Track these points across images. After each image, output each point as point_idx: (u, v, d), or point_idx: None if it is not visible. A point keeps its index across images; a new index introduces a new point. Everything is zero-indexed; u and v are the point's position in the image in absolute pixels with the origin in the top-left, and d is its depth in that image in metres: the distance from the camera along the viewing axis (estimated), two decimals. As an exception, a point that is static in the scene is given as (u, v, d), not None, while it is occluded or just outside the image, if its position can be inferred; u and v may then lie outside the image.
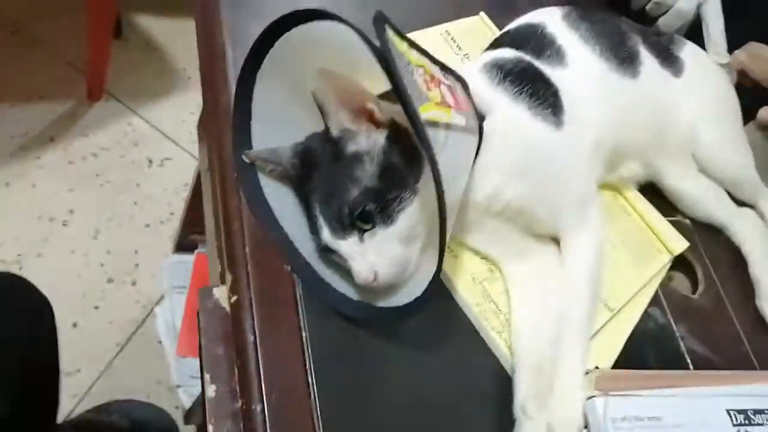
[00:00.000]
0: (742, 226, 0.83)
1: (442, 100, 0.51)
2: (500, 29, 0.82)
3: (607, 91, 0.71)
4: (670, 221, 0.82)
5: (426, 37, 0.80)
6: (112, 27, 1.66)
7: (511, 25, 0.77)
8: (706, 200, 0.82)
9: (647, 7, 0.91)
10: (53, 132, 1.65)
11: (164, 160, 1.71)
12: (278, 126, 0.58)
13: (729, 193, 0.84)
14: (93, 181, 1.62)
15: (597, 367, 0.64)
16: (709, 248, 0.83)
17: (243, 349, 0.52)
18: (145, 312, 1.49)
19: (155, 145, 1.73)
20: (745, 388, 0.66)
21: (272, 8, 0.71)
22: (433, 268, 0.50)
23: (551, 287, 0.63)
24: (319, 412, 0.50)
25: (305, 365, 0.52)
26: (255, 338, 0.52)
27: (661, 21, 0.91)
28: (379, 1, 0.80)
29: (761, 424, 0.65)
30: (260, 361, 0.51)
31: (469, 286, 0.63)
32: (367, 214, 0.51)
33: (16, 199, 1.51)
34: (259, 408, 0.49)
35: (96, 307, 1.46)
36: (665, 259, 0.76)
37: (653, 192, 0.83)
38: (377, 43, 0.46)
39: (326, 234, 0.54)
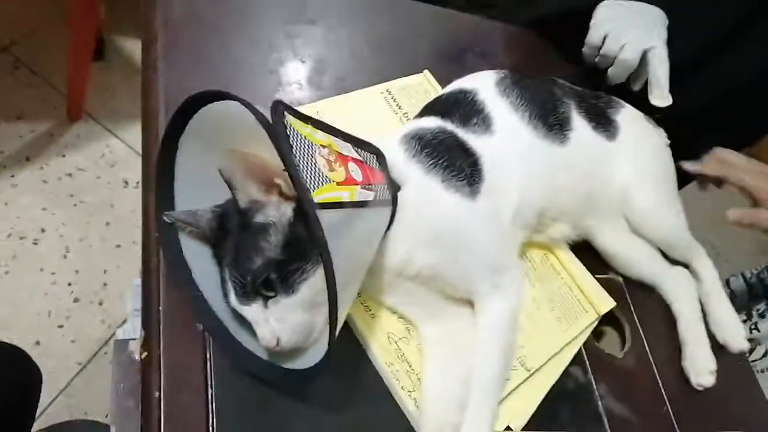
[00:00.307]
0: (673, 286, 0.85)
1: (346, 178, 0.53)
2: (443, 86, 0.85)
3: (533, 158, 0.74)
4: (602, 279, 0.84)
5: (366, 96, 0.83)
6: (93, 49, 1.69)
7: (447, 89, 0.80)
8: (637, 260, 0.84)
9: (596, 60, 0.93)
10: (30, 152, 1.67)
11: (140, 182, 1.73)
12: (202, 188, 0.60)
13: (664, 252, 0.87)
14: (67, 201, 1.64)
15: (509, 427, 0.66)
16: (640, 306, 0.85)
17: (148, 405, 0.54)
18: (110, 332, 1.51)
19: (132, 167, 1.76)
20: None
21: (210, 73, 0.75)
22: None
23: (464, 351, 0.65)
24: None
25: (208, 424, 0.54)
26: (159, 395, 0.54)
27: (609, 72, 0.93)
28: (328, 59, 0.86)
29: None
30: (162, 420, 0.53)
31: (384, 345, 0.65)
32: (269, 283, 0.54)
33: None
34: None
35: (60, 326, 1.48)
36: (591, 318, 0.79)
37: (587, 249, 0.86)
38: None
39: (233, 298, 0.56)
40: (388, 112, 0.83)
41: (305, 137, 0.51)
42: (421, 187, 0.63)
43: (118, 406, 0.55)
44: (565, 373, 0.74)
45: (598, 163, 0.80)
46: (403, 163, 0.65)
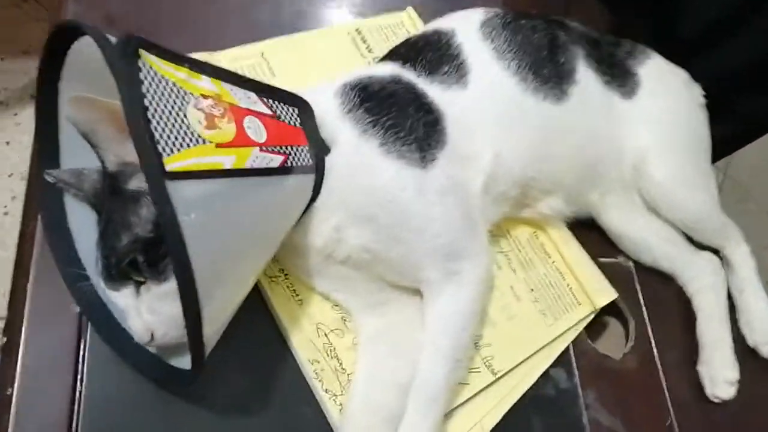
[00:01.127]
0: (694, 275, 0.70)
1: (236, 138, 0.42)
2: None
3: (516, 117, 0.60)
4: (606, 263, 0.71)
5: (329, 36, 0.70)
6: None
7: (422, 29, 0.66)
8: (652, 243, 0.70)
9: None
10: (34, 89, 1.61)
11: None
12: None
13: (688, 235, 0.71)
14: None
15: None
16: (652, 298, 0.71)
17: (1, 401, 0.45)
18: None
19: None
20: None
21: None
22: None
23: (406, 350, 0.53)
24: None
25: (69, 425, 0.45)
26: (12, 391, 0.45)
27: None
28: None
29: None
30: (11, 420, 0.44)
31: (311, 337, 0.55)
32: (136, 266, 0.43)
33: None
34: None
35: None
36: (585, 312, 0.66)
37: (593, 227, 0.72)
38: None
39: (102, 281, 0.46)
40: (355, 56, 0.69)
41: (175, 84, 0.39)
42: (354, 150, 0.51)
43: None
44: (545, 377, 0.62)
45: (606, 125, 0.65)
46: (335, 120, 0.52)
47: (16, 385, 0.46)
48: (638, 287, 0.71)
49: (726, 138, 1.03)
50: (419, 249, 0.52)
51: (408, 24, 0.74)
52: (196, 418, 0.49)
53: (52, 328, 0.49)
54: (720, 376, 0.65)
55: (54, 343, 0.48)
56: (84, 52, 0.45)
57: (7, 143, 1.55)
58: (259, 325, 0.54)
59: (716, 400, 0.65)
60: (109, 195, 0.46)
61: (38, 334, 0.48)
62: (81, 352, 0.48)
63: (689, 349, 0.68)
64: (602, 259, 0.70)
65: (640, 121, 0.67)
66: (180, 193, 0.37)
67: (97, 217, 0.49)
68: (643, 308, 0.70)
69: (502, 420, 0.58)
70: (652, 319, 0.69)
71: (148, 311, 0.44)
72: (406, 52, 0.61)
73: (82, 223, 0.51)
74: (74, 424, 0.46)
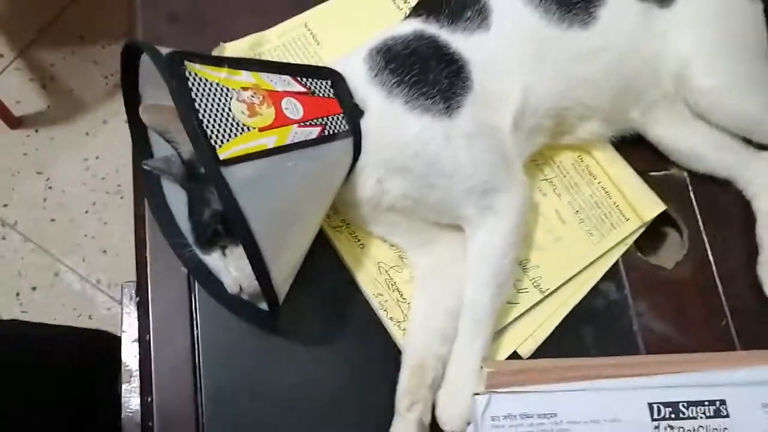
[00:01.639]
0: (754, 176, 0.70)
1: (276, 119, 0.50)
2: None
3: (542, 49, 0.62)
4: (658, 176, 0.72)
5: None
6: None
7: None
8: (703, 152, 0.70)
9: None
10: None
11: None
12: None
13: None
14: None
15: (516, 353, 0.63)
16: (708, 206, 0.72)
17: (142, 345, 0.60)
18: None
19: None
20: (682, 378, 0.61)
21: None
22: None
23: (456, 280, 0.61)
24: (203, 408, 0.57)
25: (194, 362, 0.59)
26: (149, 336, 0.59)
27: None
28: None
29: (694, 417, 0.60)
30: (153, 358, 0.59)
31: (374, 274, 0.64)
32: (218, 234, 0.54)
33: (113, 135, 1.70)
34: (149, 400, 0.57)
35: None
36: (633, 226, 0.69)
37: (641, 142, 0.73)
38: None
39: (196, 248, 0.58)
40: (397, 15, 0.73)
41: (218, 84, 0.48)
42: (383, 112, 0.57)
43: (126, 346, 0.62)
44: (594, 291, 0.67)
45: (643, 40, 0.65)
46: (365, 86, 0.58)
47: (151, 331, 0.60)
48: (692, 196, 0.72)
49: None
50: (453, 192, 0.58)
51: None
52: (285, 349, 0.60)
53: (170, 287, 0.61)
54: (778, 274, 0.66)
55: (173, 298, 0.61)
56: (149, 62, 0.55)
57: (126, 121, 1.74)
58: (329, 269, 0.64)
59: (774, 299, 0.67)
60: (189, 179, 0.56)
61: (161, 293, 0.61)
62: (193, 304, 0.61)
63: (748, 254, 0.69)
64: (654, 173, 0.72)
65: (682, 27, 0.65)
66: (234, 175, 0.46)
67: (186, 195, 0.61)
68: (698, 217, 0.71)
69: (554, 332, 0.64)
70: (707, 227, 0.70)
71: (235, 269, 0.55)
72: (430, 4, 0.64)
73: (178, 201, 0.62)
74: (196, 360, 0.59)
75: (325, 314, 0.63)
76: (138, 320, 0.61)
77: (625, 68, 0.65)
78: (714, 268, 0.70)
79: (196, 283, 0.61)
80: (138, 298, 0.61)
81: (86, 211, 1.63)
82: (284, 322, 0.59)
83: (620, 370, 0.60)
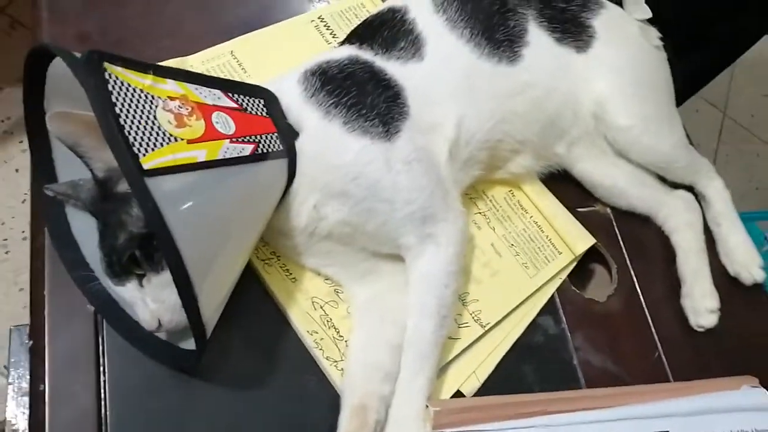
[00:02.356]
0: (671, 213, 0.73)
1: (206, 133, 0.46)
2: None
3: (474, 84, 0.63)
4: (585, 212, 0.74)
5: (293, 27, 0.73)
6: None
7: (378, 8, 0.69)
8: (625, 188, 0.73)
9: None
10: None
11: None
12: None
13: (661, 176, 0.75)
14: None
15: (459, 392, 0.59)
16: (632, 241, 0.74)
17: (34, 397, 0.51)
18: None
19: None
20: (625, 411, 0.60)
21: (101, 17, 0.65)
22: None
23: (394, 312, 0.58)
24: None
25: (100, 414, 0.50)
26: (44, 387, 0.50)
27: None
28: None
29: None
30: (47, 413, 0.50)
31: (307, 310, 0.59)
32: (135, 260, 0.48)
33: (1, 185, 1.55)
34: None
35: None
36: (565, 261, 0.69)
37: (568, 179, 0.75)
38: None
39: (107, 279, 0.51)
40: (320, 44, 0.73)
41: (142, 90, 0.44)
42: (319, 132, 0.55)
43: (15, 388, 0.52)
44: (533, 326, 0.66)
45: (562, 81, 0.68)
46: (300, 106, 0.56)
47: (47, 381, 0.51)
48: (617, 231, 0.74)
49: (704, 67, 1.06)
50: (394, 217, 0.56)
51: (368, 5, 0.77)
52: (209, 394, 0.53)
53: (72, 328, 0.53)
54: (702, 306, 0.69)
55: (75, 341, 0.53)
56: (60, 71, 0.50)
57: (17, 170, 1.60)
58: (258, 305, 0.59)
59: (700, 329, 0.69)
60: (102, 200, 0.50)
61: (60, 334, 0.53)
62: (100, 347, 0.53)
63: (671, 285, 0.71)
64: (580, 209, 0.74)
65: (598, 71, 0.69)
66: (159, 187, 0.41)
67: (96, 223, 0.54)
68: (624, 251, 0.73)
69: (495, 369, 0.62)
70: (633, 261, 0.73)
71: (153, 300, 0.49)
72: (362, 32, 0.64)
73: (85, 230, 0.55)
74: (103, 410, 0.51)
75: (254, 354, 0.57)
76: (30, 369, 0.52)
77: (549, 104, 0.67)
78: (642, 300, 0.71)
79: (104, 322, 0.54)
80: (30, 342, 0.52)
81: (-39, 265, 1.46)
82: (208, 364, 0.53)
83: (565, 405, 0.59)
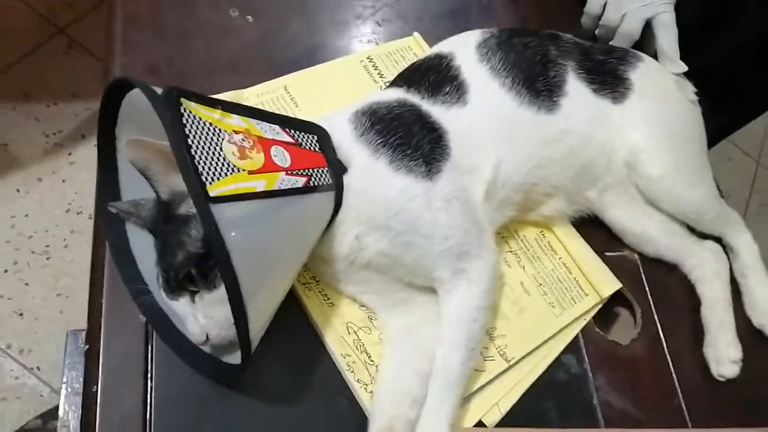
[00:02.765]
0: (697, 263, 0.75)
1: (265, 165, 0.50)
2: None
3: (513, 130, 0.66)
4: (613, 257, 0.76)
5: (343, 66, 0.78)
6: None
7: (425, 54, 0.73)
8: (653, 235, 0.75)
9: (596, 33, 0.84)
10: (85, 129, 1.75)
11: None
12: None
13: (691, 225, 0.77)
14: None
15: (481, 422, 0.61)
16: (658, 288, 0.76)
17: (87, 397, 0.55)
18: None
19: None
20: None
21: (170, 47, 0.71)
22: None
23: (427, 342, 0.60)
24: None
25: (145, 419, 0.54)
26: (97, 389, 0.54)
27: (612, 44, 0.83)
28: (305, 29, 0.81)
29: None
30: (98, 413, 0.53)
31: (342, 334, 0.62)
32: (191, 278, 0.52)
33: (48, 194, 1.63)
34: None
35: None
36: (592, 302, 0.71)
37: (601, 224, 0.77)
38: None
39: (163, 293, 0.55)
40: (368, 82, 0.77)
41: (211, 124, 0.48)
42: (367, 169, 0.59)
43: (68, 390, 0.56)
44: (557, 363, 0.68)
45: (598, 130, 0.70)
46: (350, 143, 0.60)
47: (99, 384, 0.55)
48: (644, 277, 0.76)
49: (729, 122, 1.08)
50: (431, 252, 0.59)
51: (415, 48, 0.82)
52: (247, 407, 0.57)
53: (125, 336, 0.57)
54: (725, 356, 0.70)
55: (127, 349, 0.57)
56: (135, 101, 0.54)
57: (63, 181, 1.68)
58: (297, 326, 0.62)
59: (721, 379, 0.70)
60: (163, 220, 0.54)
61: (114, 341, 0.57)
62: (149, 355, 0.57)
63: (695, 333, 0.73)
64: (609, 253, 0.76)
65: (633, 122, 0.71)
66: (222, 213, 0.45)
67: (154, 240, 0.58)
68: (649, 297, 0.75)
69: (517, 403, 0.64)
70: (657, 307, 0.74)
71: (203, 316, 0.53)
72: (410, 76, 0.68)
73: (142, 246, 0.59)
74: (149, 415, 0.54)
75: (291, 373, 0.60)
76: (85, 370, 0.56)
77: (585, 152, 0.70)
78: (665, 346, 0.72)
79: (153, 333, 0.58)
80: (87, 347, 0.56)
81: (5, 270, 1.52)
82: (246, 380, 0.56)
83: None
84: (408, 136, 0.60)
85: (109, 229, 0.59)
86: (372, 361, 0.62)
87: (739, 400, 0.71)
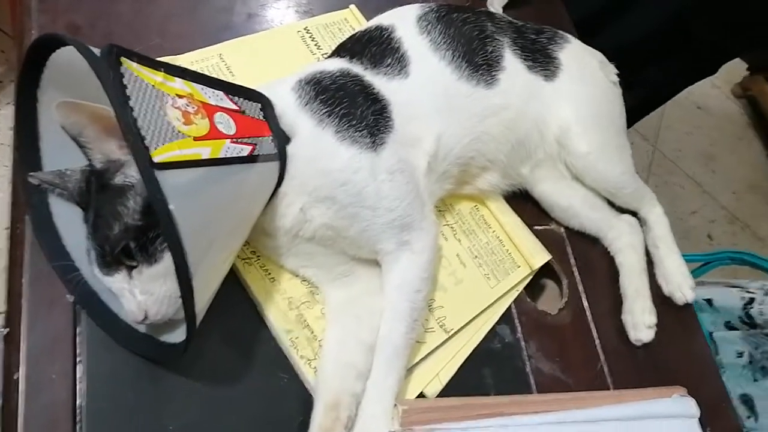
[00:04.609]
0: (616, 236, 0.80)
1: (210, 131, 0.48)
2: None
3: (454, 103, 0.67)
4: (541, 230, 0.79)
5: (280, 35, 0.75)
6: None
7: (365, 25, 0.72)
8: (578, 209, 0.79)
9: None
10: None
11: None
12: (72, 147, 0.54)
13: (611, 201, 0.81)
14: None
15: (422, 394, 0.62)
16: (582, 259, 0.80)
17: (8, 386, 0.50)
18: None
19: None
20: (572, 414, 0.65)
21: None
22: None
23: (370, 315, 0.60)
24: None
25: (75, 405, 0.50)
26: (17, 375, 0.50)
27: None
28: None
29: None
30: (21, 403, 0.49)
31: (283, 310, 0.61)
32: (128, 252, 0.49)
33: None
34: (15, 450, 0.48)
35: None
36: (523, 274, 0.74)
37: (527, 199, 0.80)
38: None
39: (96, 269, 0.51)
40: (305, 53, 0.75)
41: (154, 86, 0.45)
42: (312, 139, 0.57)
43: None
44: (492, 333, 0.70)
45: (532, 106, 0.73)
46: (294, 113, 0.58)
47: (21, 370, 0.50)
48: (569, 250, 0.80)
49: (637, 105, 1.16)
50: (375, 223, 0.59)
51: (352, 21, 0.80)
52: (184, 387, 0.54)
53: (49, 318, 0.53)
54: (641, 321, 0.75)
55: (51, 331, 0.52)
56: (61, 62, 0.50)
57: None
58: (236, 303, 0.60)
59: (638, 344, 0.75)
60: (97, 191, 0.51)
61: (36, 324, 0.52)
62: (76, 338, 0.53)
63: (615, 301, 0.77)
64: (537, 227, 0.79)
65: (562, 100, 0.74)
66: (167, 180, 0.42)
67: (83, 213, 0.54)
68: (574, 269, 0.79)
69: (456, 373, 0.65)
70: (582, 278, 0.78)
71: (142, 292, 0.49)
72: (352, 47, 0.67)
73: (66, 220, 0.55)
74: (78, 400, 0.51)
75: (230, 351, 0.58)
76: (3, 356, 0.51)
77: (520, 127, 0.72)
78: (589, 315, 0.77)
79: (81, 314, 0.54)
80: (6, 330, 0.51)
81: None
82: (184, 360, 0.53)
83: (518, 408, 0.63)
84: (353, 107, 0.59)
85: (30, 201, 0.54)
86: (314, 336, 0.61)
87: (652, 361, 0.76)
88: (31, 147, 0.54)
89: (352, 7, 0.81)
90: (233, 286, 0.61)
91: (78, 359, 0.52)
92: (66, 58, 0.49)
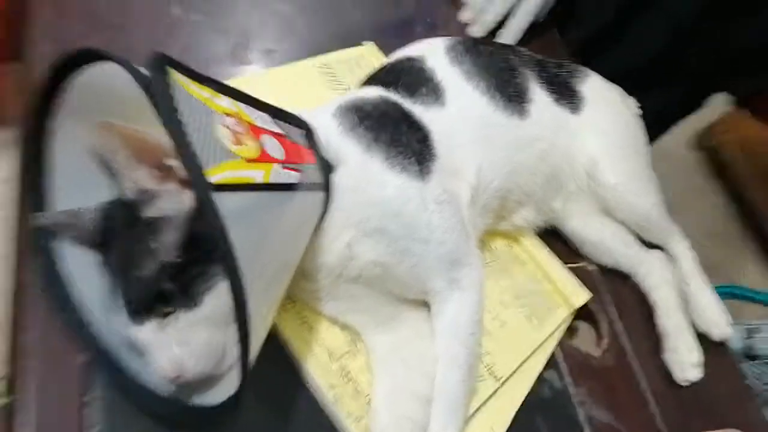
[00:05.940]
0: (648, 272, 0.76)
1: (261, 155, 0.42)
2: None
3: (492, 133, 0.64)
4: (573, 268, 0.75)
5: (301, 69, 0.71)
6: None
7: (391, 57, 0.69)
8: (609, 245, 0.75)
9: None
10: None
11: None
12: (93, 185, 0.47)
13: (639, 235, 0.78)
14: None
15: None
16: (616, 297, 0.76)
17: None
18: None
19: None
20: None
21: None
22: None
23: (421, 361, 0.54)
24: None
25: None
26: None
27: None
28: (260, 28, 0.75)
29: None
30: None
31: (324, 363, 0.54)
32: (164, 295, 0.42)
33: None
34: None
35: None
36: (564, 314, 0.69)
37: (555, 237, 0.77)
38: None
39: (118, 318, 0.43)
40: (328, 87, 0.71)
41: (202, 102, 0.39)
42: (361, 167, 0.52)
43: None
44: (539, 379, 0.65)
45: (562, 138, 0.70)
46: (338, 140, 0.53)
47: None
48: (603, 288, 0.76)
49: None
50: (426, 258, 0.54)
51: (369, 56, 0.77)
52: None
53: (61, 383, 0.45)
54: (687, 360, 0.70)
55: (62, 397, 0.44)
56: (81, 86, 0.44)
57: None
58: (270, 355, 0.52)
59: (686, 384, 0.70)
60: (124, 226, 0.44)
61: (45, 391, 0.44)
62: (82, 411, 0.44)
63: (654, 340, 0.73)
64: (568, 265, 0.75)
65: (588, 132, 0.72)
66: (223, 203, 0.36)
67: (102, 256, 0.46)
68: (610, 307, 0.75)
69: (512, 424, 0.59)
70: (620, 317, 0.74)
71: (178, 343, 0.42)
72: (384, 78, 0.64)
73: (77, 268, 0.47)
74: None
75: (267, 411, 0.51)
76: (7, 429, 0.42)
77: (552, 158, 0.69)
78: (632, 356, 0.72)
79: (94, 378, 0.45)
80: (14, 398, 0.42)
81: None
82: (216, 424, 0.45)
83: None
84: (398, 133, 0.55)
85: (37, 245, 0.46)
86: (360, 391, 0.54)
87: (697, 401, 0.71)
88: (39, 183, 0.47)
89: (369, 43, 0.78)
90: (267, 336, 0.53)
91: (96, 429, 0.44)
92: (84, 81, 0.43)
